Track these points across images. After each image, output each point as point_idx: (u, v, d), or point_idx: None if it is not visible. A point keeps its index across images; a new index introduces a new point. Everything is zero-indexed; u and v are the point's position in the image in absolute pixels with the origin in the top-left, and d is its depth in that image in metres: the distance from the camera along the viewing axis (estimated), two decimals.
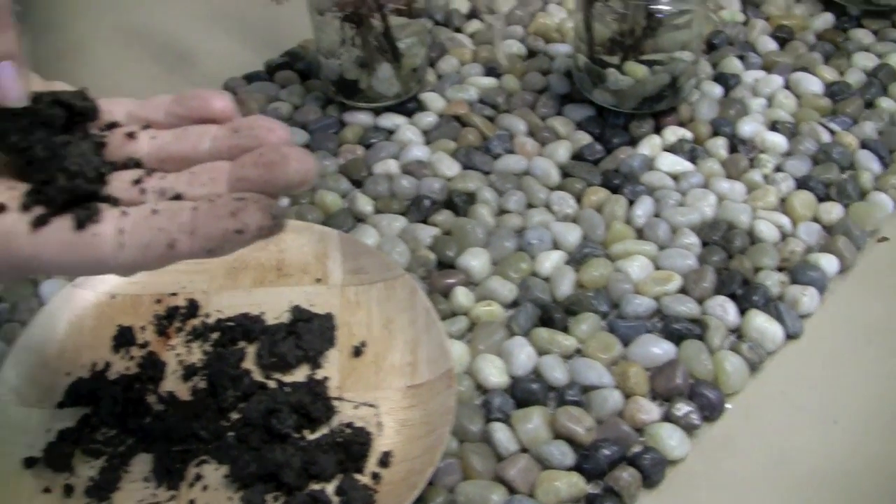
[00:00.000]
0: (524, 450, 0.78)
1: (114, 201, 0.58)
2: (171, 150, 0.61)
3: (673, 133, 1.04)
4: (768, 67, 1.13)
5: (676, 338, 0.85)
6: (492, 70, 1.14)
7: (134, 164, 0.61)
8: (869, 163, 1.01)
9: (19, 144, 0.58)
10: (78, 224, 0.55)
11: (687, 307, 0.87)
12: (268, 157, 0.57)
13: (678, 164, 1.00)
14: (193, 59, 1.20)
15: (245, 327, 0.85)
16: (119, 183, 0.59)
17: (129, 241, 0.55)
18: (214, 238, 0.54)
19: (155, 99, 0.64)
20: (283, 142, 0.59)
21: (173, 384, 0.82)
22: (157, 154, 0.61)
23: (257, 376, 0.82)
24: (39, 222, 0.56)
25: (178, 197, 0.59)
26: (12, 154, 0.58)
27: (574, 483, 0.75)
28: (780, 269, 0.91)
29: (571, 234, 0.93)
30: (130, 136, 0.62)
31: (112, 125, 0.62)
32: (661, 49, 0.99)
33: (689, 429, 0.79)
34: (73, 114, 0.61)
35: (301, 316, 0.85)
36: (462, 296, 0.88)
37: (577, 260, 0.92)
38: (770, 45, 1.16)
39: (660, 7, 0.95)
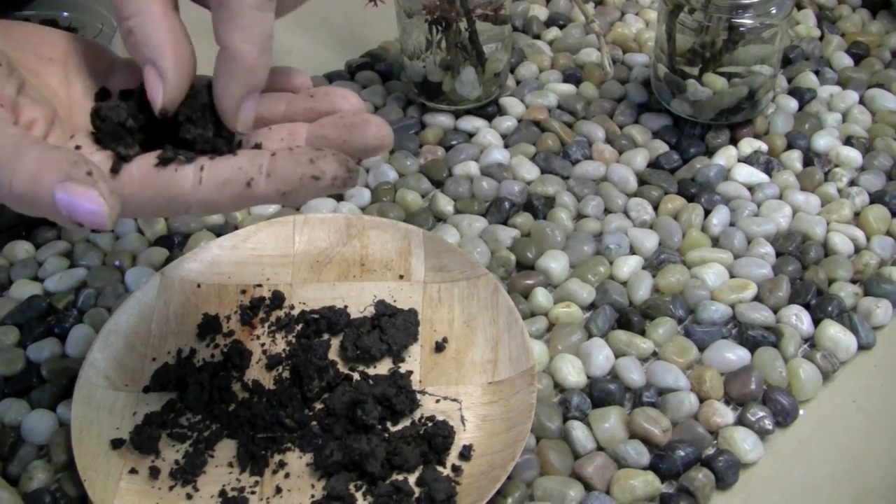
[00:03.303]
0: (601, 448, 0.80)
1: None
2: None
3: (749, 145, 1.05)
4: (843, 83, 1.13)
5: (751, 344, 0.86)
6: (570, 77, 1.15)
7: None
8: None
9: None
10: (161, 163, 0.57)
11: (762, 315, 0.88)
12: (349, 119, 0.60)
13: (753, 175, 1.01)
14: (274, 58, 1.21)
15: (329, 320, 0.87)
16: None
17: (208, 178, 0.57)
18: (291, 181, 0.56)
19: None
20: (358, 110, 0.62)
21: (257, 373, 0.84)
22: None
23: (342, 368, 0.84)
24: (121, 161, 0.59)
25: (258, 147, 0.61)
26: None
27: (649, 482, 0.77)
28: (854, 282, 0.92)
29: (648, 241, 0.95)
30: None
31: None
32: (740, 62, 1.00)
33: (763, 433, 0.80)
34: None
35: (385, 310, 0.87)
36: (541, 296, 0.90)
37: (653, 266, 0.93)
38: (846, 60, 1.16)
39: (743, 21, 0.96)
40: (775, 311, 0.89)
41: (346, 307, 0.88)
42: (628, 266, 0.93)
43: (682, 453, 0.78)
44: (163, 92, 0.59)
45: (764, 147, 1.05)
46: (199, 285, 0.90)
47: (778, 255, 0.94)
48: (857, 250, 0.95)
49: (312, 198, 0.58)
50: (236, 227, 0.96)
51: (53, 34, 0.65)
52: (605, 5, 1.26)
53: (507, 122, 1.09)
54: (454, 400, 0.81)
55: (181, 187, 0.57)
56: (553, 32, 1.22)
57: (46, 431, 0.81)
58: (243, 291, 0.90)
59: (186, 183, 0.57)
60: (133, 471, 0.77)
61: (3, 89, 0.58)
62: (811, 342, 0.88)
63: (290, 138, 0.62)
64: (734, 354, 0.85)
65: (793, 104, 1.10)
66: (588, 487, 0.77)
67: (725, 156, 1.03)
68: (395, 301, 0.89)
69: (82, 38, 0.65)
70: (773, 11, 0.97)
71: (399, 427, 0.80)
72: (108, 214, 0.53)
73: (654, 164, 1.04)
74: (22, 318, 0.90)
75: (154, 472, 0.77)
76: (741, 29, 0.97)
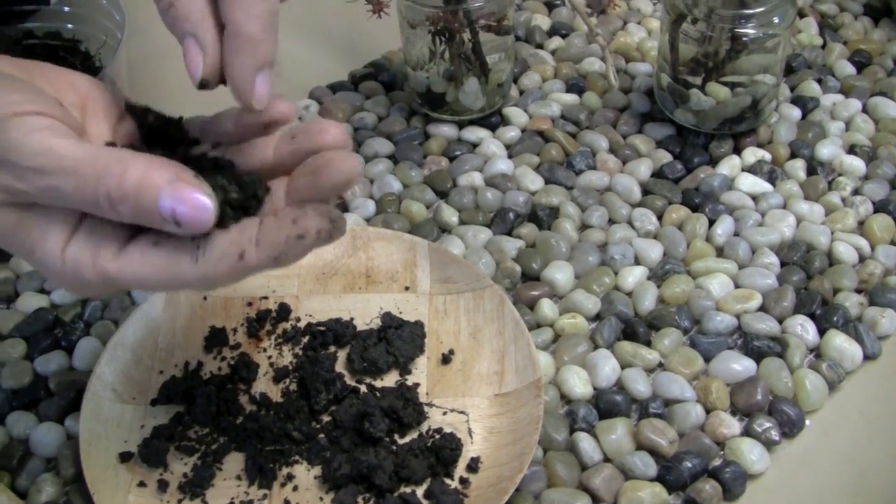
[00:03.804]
0: (608, 460, 0.80)
1: None
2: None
3: (752, 154, 1.05)
4: (846, 91, 1.13)
5: (757, 355, 0.86)
6: (573, 86, 1.15)
7: None
8: None
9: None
10: (159, 241, 0.59)
11: (767, 325, 0.88)
12: (313, 164, 0.61)
13: (757, 184, 1.02)
14: (278, 68, 1.20)
15: (336, 332, 0.87)
16: None
17: (203, 255, 0.58)
18: (278, 245, 0.57)
19: (223, 112, 0.66)
20: (338, 141, 0.62)
21: (264, 385, 0.84)
22: None
23: (349, 380, 0.84)
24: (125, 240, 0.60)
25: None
26: None
27: (657, 493, 0.77)
28: (859, 291, 0.92)
29: (653, 251, 0.95)
30: None
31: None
32: (743, 71, 1.00)
33: (769, 444, 0.81)
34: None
35: (391, 322, 0.87)
36: (547, 308, 0.90)
37: (658, 276, 0.93)
38: (848, 69, 1.16)
39: (745, 30, 0.96)
40: (780, 322, 0.89)
41: (352, 319, 0.88)
42: (633, 276, 0.93)
43: (689, 464, 0.78)
44: (203, 63, 0.61)
45: (767, 156, 1.05)
46: (205, 298, 0.90)
47: (782, 264, 0.94)
48: (862, 259, 0.95)
49: (304, 255, 0.59)
50: None
51: (75, 77, 0.65)
52: (608, 14, 1.26)
53: (511, 133, 1.09)
54: (461, 412, 0.82)
55: (180, 266, 0.58)
56: (556, 42, 1.22)
57: (54, 444, 0.82)
58: (249, 304, 0.90)
59: (184, 261, 0.58)
60: (141, 484, 0.77)
61: (75, 121, 0.60)
62: (817, 352, 0.88)
63: (271, 202, 0.63)
64: (740, 365, 0.85)
65: (796, 113, 1.10)
66: (595, 499, 0.77)
67: (729, 165, 1.04)
68: (400, 313, 0.89)
69: (100, 84, 0.66)
70: (776, 21, 0.97)
71: (407, 439, 0.80)
72: (214, 213, 0.56)
73: (657, 174, 1.04)
74: (29, 330, 0.90)
75: (162, 485, 0.77)
76: (744, 38, 0.97)
